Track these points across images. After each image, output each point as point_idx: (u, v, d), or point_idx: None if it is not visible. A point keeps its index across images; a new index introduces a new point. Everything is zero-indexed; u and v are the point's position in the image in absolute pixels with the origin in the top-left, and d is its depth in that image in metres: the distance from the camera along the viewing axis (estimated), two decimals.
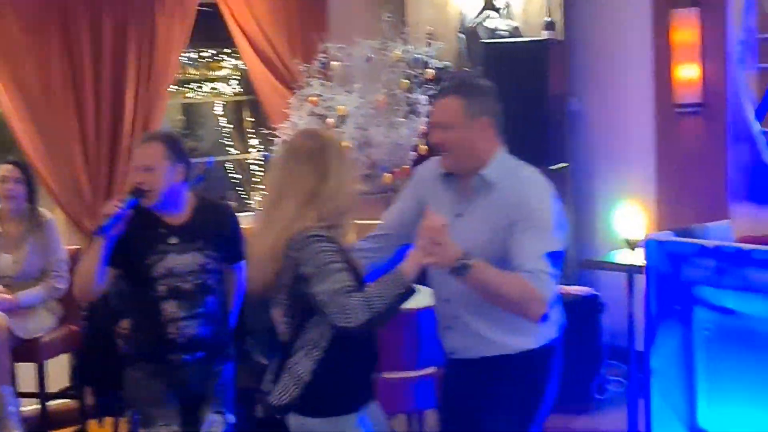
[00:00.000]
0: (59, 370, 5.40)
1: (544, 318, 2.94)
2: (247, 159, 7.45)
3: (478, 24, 6.40)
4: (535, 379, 3.13)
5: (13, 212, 4.90)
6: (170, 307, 3.59)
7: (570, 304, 5.54)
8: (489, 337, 3.07)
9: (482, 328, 3.07)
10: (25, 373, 5.07)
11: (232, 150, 7.64)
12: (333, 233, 2.88)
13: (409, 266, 2.78)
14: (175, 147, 3.60)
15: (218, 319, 3.69)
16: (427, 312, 4.25)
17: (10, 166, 4.89)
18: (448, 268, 2.80)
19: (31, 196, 4.93)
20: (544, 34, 6.10)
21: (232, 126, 7.69)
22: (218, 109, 7.79)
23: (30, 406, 5.03)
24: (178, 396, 3.65)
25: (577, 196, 6.24)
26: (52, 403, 4.97)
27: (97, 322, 5.05)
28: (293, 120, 5.98)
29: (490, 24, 6.37)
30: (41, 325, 4.86)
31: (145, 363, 3.68)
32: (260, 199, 3.07)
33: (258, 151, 7.21)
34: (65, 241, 5.28)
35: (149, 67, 5.97)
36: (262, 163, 7.14)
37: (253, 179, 7.33)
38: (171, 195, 3.59)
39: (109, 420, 5.35)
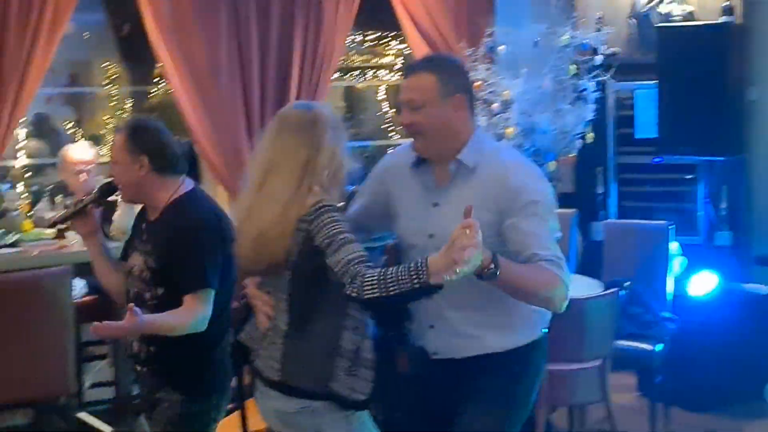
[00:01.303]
0: None
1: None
2: None
3: (650, 8, 6.20)
4: (520, 375, 2.91)
5: None
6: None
7: (746, 302, 5.38)
8: (475, 335, 2.84)
9: (469, 327, 2.84)
10: None
11: (395, 135, 7.61)
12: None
13: (438, 267, 2.49)
14: (138, 138, 3.20)
15: (155, 336, 3.14)
16: (594, 302, 4.12)
17: None
18: (479, 273, 2.53)
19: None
20: (722, 19, 5.84)
21: (394, 111, 7.67)
22: (381, 94, 7.77)
23: None
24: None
25: (754, 189, 5.94)
26: None
27: None
28: None
29: (663, 8, 6.17)
30: None
31: None
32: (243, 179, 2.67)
33: None
34: None
35: (314, 51, 6.00)
36: None
37: None
38: (139, 189, 3.23)
39: None
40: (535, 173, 2.84)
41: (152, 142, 3.21)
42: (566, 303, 2.70)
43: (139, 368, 3.25)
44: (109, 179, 3.32)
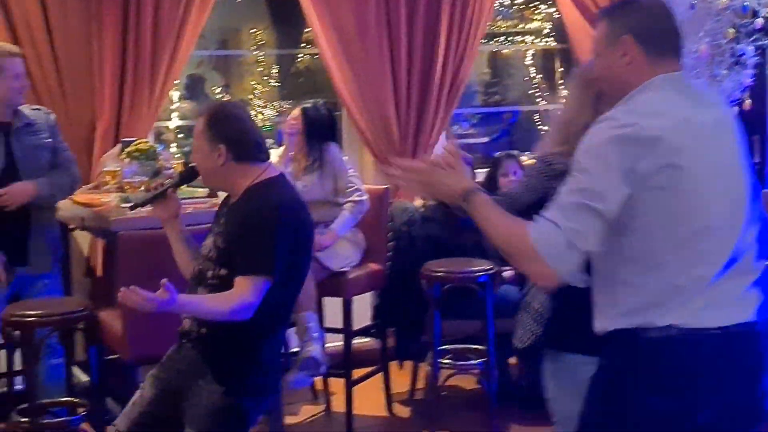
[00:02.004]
0: (363, 308, 5.50)
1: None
2: (556, 109, 7.25)
3: None
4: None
5: (297, 151, 5.02)
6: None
7: None
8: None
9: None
10: (332, 310, 5.19)
11: (541, 101, 7.48)
12: None
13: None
14: (217, 126, 3.13)
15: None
16: None
17: (297, 111, 5.01)
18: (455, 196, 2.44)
19: (314, 143, 5.00)
20: None
21: (541, 76, 7.54)
22: (528, 60, 7.65)
23: (334, 342, 5.13)
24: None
25: None
26: (355, 341, 5.04)
27: (403, 263, 5.09)
28: None
29: None
30: (347, 258, 4.94)
31: None
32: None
33: None
34: (370, 180, 5.35)
35: (462, 16, 5.93)
36: None
37: None
38: (218, 177, 3.18)
39: (409, 364, 5.42)
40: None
41: (231, 130, 3.14)
42: (544, 277, 2.36)
43: (187, 345, 3.18)
44: (192, 164, 3.29)
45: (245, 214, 3.08)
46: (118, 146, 4.88)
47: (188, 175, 3.23)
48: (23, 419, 4.13)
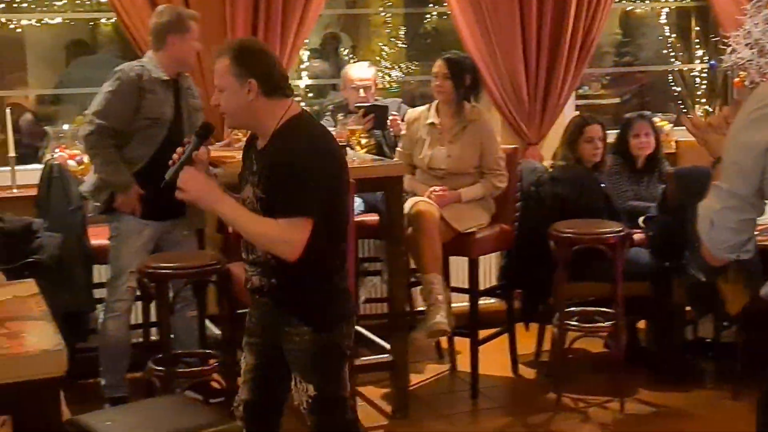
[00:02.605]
0: (489, 268, 5.49)
1: None
2: (691, 70, 7.03)
3: None
4: None
5: (446, 107, 4.98)
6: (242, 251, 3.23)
7: None
8: None
9: None
10: (457, 269, 5.18)
11: (675, 62, 7.27)
12: None
13: None
14: (243, 60, 3.04)
15: (276, 268, 3.09)
16: None
17: (440, 62, 4.96)
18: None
19: (462, 91, 4.95)
20: None
21: (676, 36, 7.32)
22: (662, 18, 7.43)
23: (460, 303, 5.14)
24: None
25: None
26: (481, 302, 5.03)
27: (531, 224, 5.05)
28: (747, 27, 5.55)
29: None
30: (476, 221, 4.91)
31: None
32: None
33: (702, 61, 6.80)
34: (501, 141, 5.31)
35: None
36: (707, 74, 6.73)
37: (695, 91, 6.92)
38: (247, 115, 3.08)
39: (534, 326, 5.39)
40: None
41: (260, 64, 3.08)
42: None
43: (261, 300, 3.20)
44: (204, 122, 3.25)
45: (279, 156, 3.02)
46: None
47: (205, 133, 3.15)
48: (158, 368, 4.26)
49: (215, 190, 3.03)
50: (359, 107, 5.09)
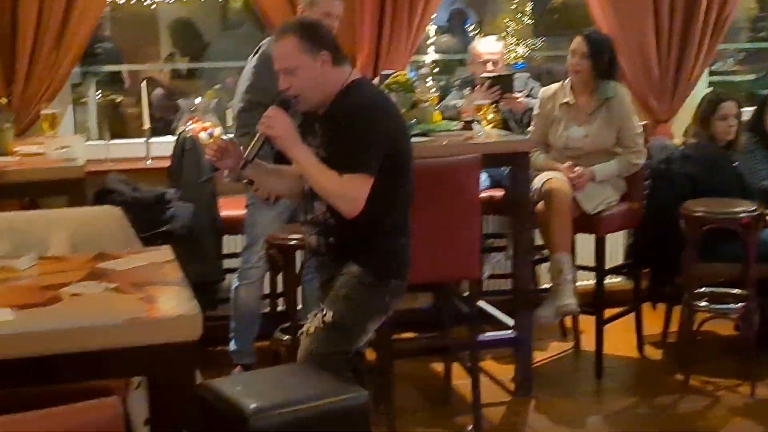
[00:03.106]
0: (616, 247, 5.40)
1: None
2: None
3: None
4: None
5: (581, 85, 4.90)
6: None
7: None
8: None
9: None
10: (583, 247, 5.12)
11: None
12: None
13: None
14: (311, 35, 3.15)
15: (333, 227, 3.23)
16: None
17: (579, 39, 4.87)
18: None
19: (600, 71, 4.86)
20: None
21: None
22: None
23: (585, 281, 5.08)
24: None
25: None
26: (607, 281, 4.96)
27: (660, 202, 4.94)
28: None
29: None
30: (606, 200, 4.83)
31: None
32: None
33: None
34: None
35: None
36: None
37: None
38: (321, 87, 3.18)
39: (662, 306, 5.29)
40: None
41: (325, 34, 3.21)
42: None
43: (321, 259, 3.33)
44: (285, 94, 3.22)
45: (340, 115, 3.15)
46: (377, 79, 4.99)
47: (284, 105, 3.18)
48: (285, 337, 4.34)
49: (296, 134, 3.17)
50: (484, 78, 5.05)
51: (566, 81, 4.96)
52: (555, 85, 5.03)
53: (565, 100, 4.91)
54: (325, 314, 3.19)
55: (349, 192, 3.09)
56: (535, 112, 5.03)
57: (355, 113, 3.14)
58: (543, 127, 4.97)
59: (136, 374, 2.75)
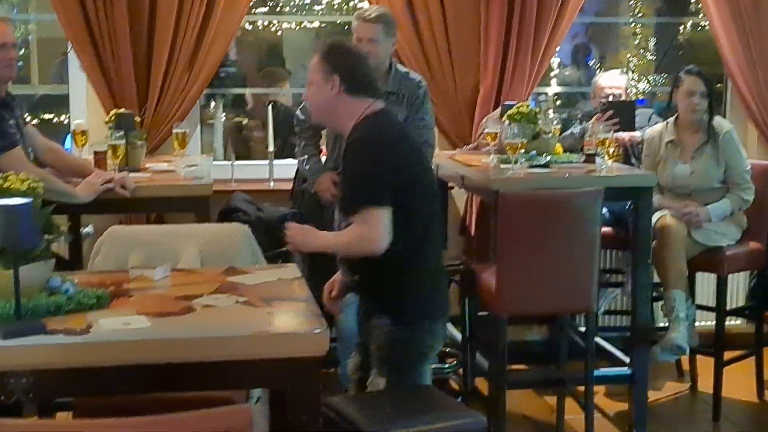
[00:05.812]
0: (738, 287, 5.29)
1: None
2: None
3: None
4: None
5: (694, 123, 4.83)
6: None
7: None
8: None
9: None
10: (706, 287, 5.02)
11: None
12: None
13: None
14: (331, 58, 3.22)
15: (356, 264, 3.27)
16: None
17: (696, 79, 4.79)
18: None
19: (710, 109, 4.81)
20: None
21: None
22: None
23: (706, 321, 4.98)
24: None
25: None
26: (727, 322, 4.84)
27: None
28: None
29: None
30: (725, 236, 4.75)
31: None
32: None
33: None
34: (755, 155, 5.11)
35: None
36: None
37: None
38: (328, 110, 3.25)
39: None
40: None
41: (345, 61, 3.22)
42: None
43: (356, 298, 3.36)
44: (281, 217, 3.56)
45: (348, 149, 3.19)
46: (499, 109, 5.00)
47: (284, 222, 3.48)
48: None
49: (311, 234, 3.27)
50: (605, 104, 4.98)
51: (671, 120, 4.90)
52: (658, 126, 4.98)
53: (670, 139, 4.86)
54: (378, 383, 3.20)
55: (363, 231, 3.09)
56: (644, 154, 4.98)
57: (357, 146, 3.16)
58: (651, 167, 4.91)
59: (262, 386, 2.80)
